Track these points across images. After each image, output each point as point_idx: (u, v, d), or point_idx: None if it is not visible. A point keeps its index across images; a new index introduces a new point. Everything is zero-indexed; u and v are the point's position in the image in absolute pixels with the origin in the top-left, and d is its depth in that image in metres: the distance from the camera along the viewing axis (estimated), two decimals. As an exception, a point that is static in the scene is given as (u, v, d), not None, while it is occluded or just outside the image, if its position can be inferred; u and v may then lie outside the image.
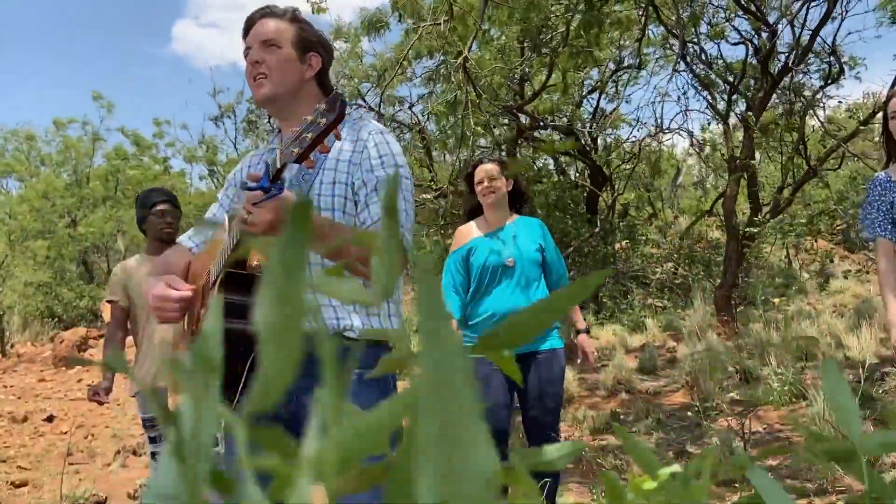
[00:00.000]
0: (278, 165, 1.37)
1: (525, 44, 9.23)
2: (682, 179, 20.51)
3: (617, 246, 12.83)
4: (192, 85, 47.55)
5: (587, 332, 3.46)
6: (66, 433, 6.48)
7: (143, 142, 13.89)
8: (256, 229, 1.42)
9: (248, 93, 13.30)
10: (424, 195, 9.51)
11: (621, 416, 5.69)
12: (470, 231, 3.41)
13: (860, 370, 5.96)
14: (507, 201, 3.37)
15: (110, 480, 5.07)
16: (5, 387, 8.51)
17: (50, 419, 6.79)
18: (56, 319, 12.20)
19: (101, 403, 3.50)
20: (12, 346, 10.40)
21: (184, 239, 1.98)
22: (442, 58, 9.17)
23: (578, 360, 3.40)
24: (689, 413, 5.54)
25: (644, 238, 13.15)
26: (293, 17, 1.86)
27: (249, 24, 1.86)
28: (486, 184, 3.30)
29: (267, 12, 1.85)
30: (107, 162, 13.46)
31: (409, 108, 10.10)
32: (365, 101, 10.17)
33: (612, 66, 11.38)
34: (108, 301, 3.52)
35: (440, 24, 6.12)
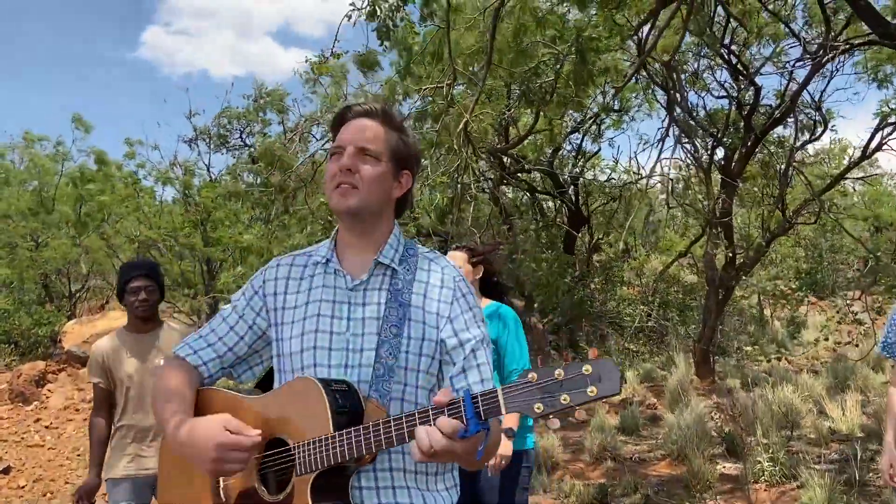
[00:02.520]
0: (503, 412, 1.24)
1: (512, 87, 9.17)
2: (655, 217, 20.76)
3: (592, 286, 12.84)
4: (167, 102, 46.69)
5: (508, 434, 3.21)
6: (23, 488, 6.11)
7: (107, 161, 13.44)
8: (440, 459, 1.28)
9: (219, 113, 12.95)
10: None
11: (608, 490, 5.54)
12: None
13: (847, 445, 5.95)
14: (475, 289, 3.21)
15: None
16: (-43, 425, 8.06)
17: (6, 471, 6.40)
18: (12, 346, 11.70)
19: None
20: (-35, 378, 9.90)
21: (187, 354, 1.65)
22: (429, 98, 9.05)
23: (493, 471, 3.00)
24: (678, 491, 5.43)
25: (620, 280, 13.16)
26: (397, 125, 1.61)
27: (345, 118, 1.61)
28: None
29: (370, 111, 1.59)
30: (71, 184, 13.01)
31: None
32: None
33: (594, 108, 11.40)
34: (91, 382, 3.33)
35: (442, 86, 6.00)
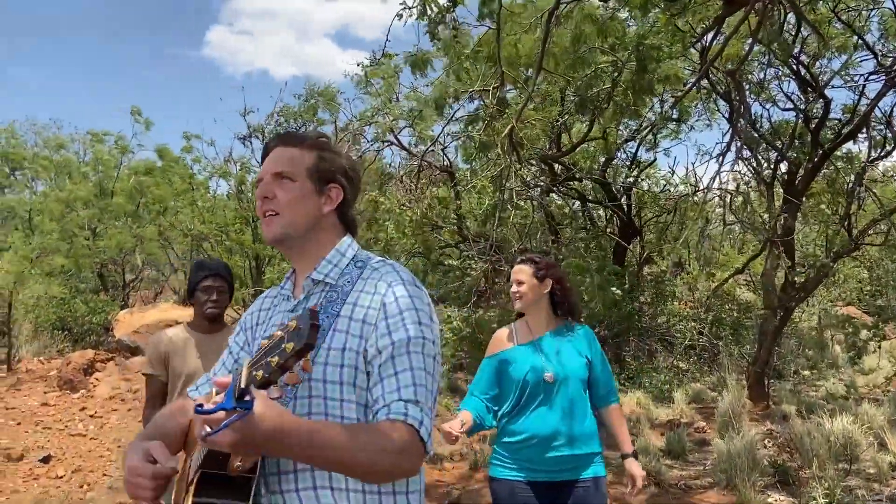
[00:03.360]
0: (242, 385, 1.12)
1: (567, 93, 8.96)
2: (711, 231, 20.16)
3: (641, 299, 12.47)
4: (223, 100, 47.68)
5: (636, 456, 3.09)
6: (61, 478, 6.19)
7: (168, 155, 13.76)
8: (221, 449, 1.19)
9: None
10: (450, 260, 9.22)
11: (650, 517, 5.30)
12: (506, 337, 3.09)
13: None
14: (545, 306, 3.04)
15: (102, 550, 4.75)
16: (7, 408, 8.25)
17: (46, 460, 6.49)
18: (66, 332, 12.00)
19: None
20: (19, 361, 10.18)
21: (191, 391, 1.70)
22: (480, 101, 8.92)
23: (627, 489, 3.00)
24: (725, 522, 5.15)
25: (672, 294, 12.76)
26: (314, 143, 1.62)
27: (266, 150, 1.65)
28: (513, 288, 3.02)
29: (285, 139, 1.63)
30: (130, 176, 13.35)
31: (442, 149, 9.83)
32: (398, 139, 9.94)
33: (651, 116, 11.08)
34: (146, 374, 3.29)
35: (488, 89, 5.85)
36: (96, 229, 13.27)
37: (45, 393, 8.82)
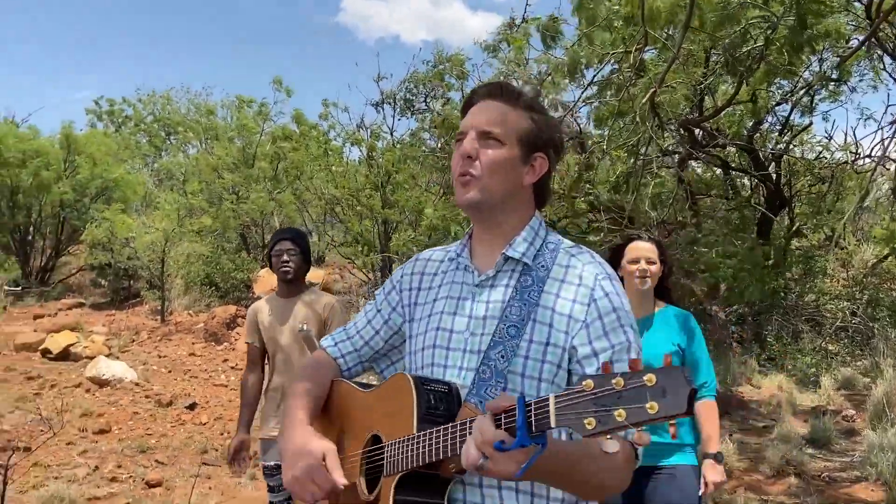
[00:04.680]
0: (552, 424, 1.00)
1: (712, 53, 8.32)
2: (871, 202, 18.43)
3: (788, 275, 11.60)
4: (358, 66, 48.78)
5: (718, 458, 2.79)
6: (205, 424, 6.64)
7: (305, 122, 14.29)
8: (491, 475, 1.10)
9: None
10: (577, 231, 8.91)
11: (789, 511, 4.93)
12: None
13: None
14: (651, 289, 2.90)
15: (238, 496, 5.04)
16: (160, 356, 8.97)
17: (192, 407, 6.99)
18: (213, 287, 12.85)
19: (237, 471, 3.45)
20: (171, 314, 11.02)
21: (328, 345, 1.61)
22: (615, 66, 8.48)
23: (700, 492, 2.75)
24: (877, 523, 4.70)
25: (822, 271, 11.77)
26: (528, 103, 1.42)
27: (471, 100, 1.47)
28: (642, 266, 2.82)
29: (495, 91, 1.44)
30: (270, 141, 14.00)
31: (573, 117, 9.48)
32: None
33: (808, 76, 10.12)
34: (247, 343, 3.48)
35: (631, 51, 5.50)
36: (240, 193, 14.06)
37: (192, 344, 9.52)
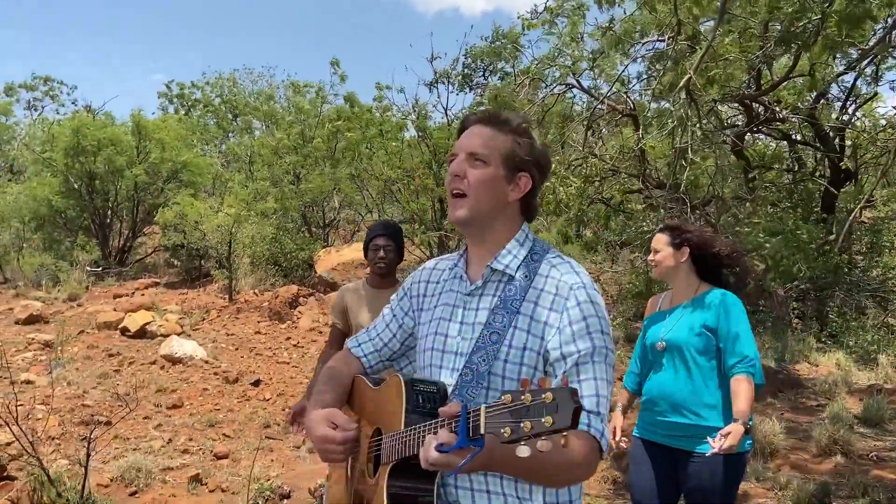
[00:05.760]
0: (482, 431, 1.20)
1: (769, 27, 8.11)
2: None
3: (855, 248, 11.26)
4: (412, 47, 48.69)
5: (746, 428, 2.75)
6: (268, 400, 7.05)
7: (359, 104, 14.56)
8: (439, 469, 1.31)
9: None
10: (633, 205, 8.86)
11: (831, 490, 4.95)
12: (657, 302, 3.20)
13: None
14: (684, 273, 3.01)
15: (297, 469, 5.40)
16: (228, 334, 9.47)
17: (257, 383, 7.42)
18: (277, 267, 13.36)
19: (295, 430, 3.65)
20: (238, 293, 11.55)
21: (353, 346, 1.84)
22: (668, 38, 8.37)
23: (710, 441, 2.74)
24: (921, 505, 4.69)
25: (890, 245, 11.38)
26: (514, 128, 1.61)
27: (463, 126, 1.67)
28: (650, 256, 3.09)
29: (486, 118, 1.63)
30: (328, 123, 14.34)
31: (625, 92, 9.41)
32: (578, 82, 9.66)
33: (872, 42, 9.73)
34: (333, 323, 3.68)
35: (686, 22, 5.39)
36: (299, 174, 14.49)
37: (258, 322, 9.99)
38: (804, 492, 4.84)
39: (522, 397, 1.14)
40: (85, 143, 14.16)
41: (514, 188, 1.59)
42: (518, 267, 1.58)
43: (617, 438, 3.07)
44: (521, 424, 1.12)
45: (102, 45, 60.31)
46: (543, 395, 1.12)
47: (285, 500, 4.82)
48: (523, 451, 1.14)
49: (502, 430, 1.15)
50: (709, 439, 2.72)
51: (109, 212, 15.26)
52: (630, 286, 10.97)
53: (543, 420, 1.10)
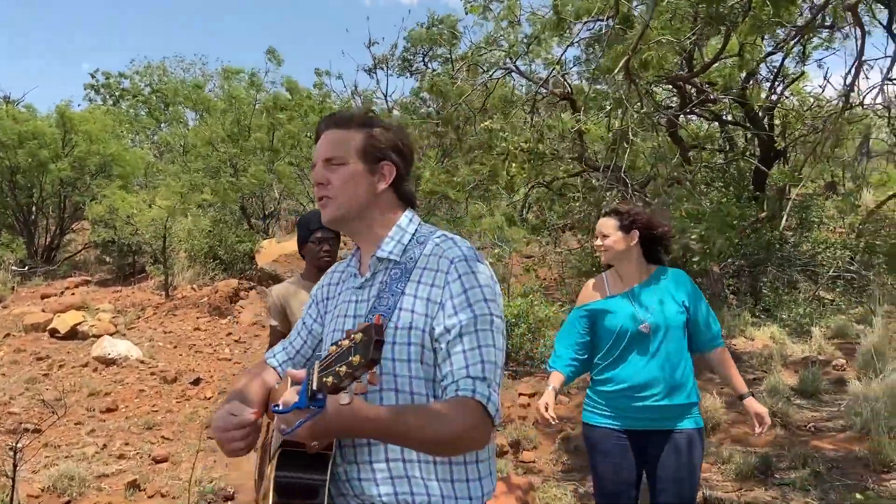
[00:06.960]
0: (314, 387, 1.22)
1: (699, 9, 8.25)
2: (871, 146, 18.25)
3: (784, 223, 11.62)
4: (349, 32, 48.12)
5: (752, 395, 3.02)
6: (209, 399, 6.84)
7: (298, 90, 14.25)
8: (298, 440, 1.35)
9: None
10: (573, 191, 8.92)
11: (772, 462, 5.09)
12: (600, 287, 3.08)
13: None
14: (635, 255, 2.99)
15: (242, 468, 5.24)
16: (165, 332, 9.16)
17: (196, 382, 7.19)
18: (217, 261, 12.99)
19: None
20: (175, 289, 11.20)
21: (269, 356, 1.84)
22: (607, 22, 8.42)
23: (756, 431, 2.94)
24: (856, 471, 4.86)
25: (818, 221, 11.80)
26: (362, 121, 1.64)
27: (317, 134, 1.69)
28: (597, 241, 3.00)
29: (332, 121, 1.66)
30: (265, 112, 13.98)
31: (562, 76, 9.45)
32: (516, 66, 9.65)
33: (800, 24, 10.01)
34: (271, 325, 3.52)
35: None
36: (237, 165, 14.10)
37: (197, 318, 9.70)
38: (747, 465, 4.97)
39: (342, 343, 1.18)
40: (4, 137, 13.47)
41: (379, 178, 1.62)
42: (403, 252, 1.61)
43: (550, 414, 2.92)
44: (337, 369, 1.15)
45: (24, 37, 57.51)
46: (354, 335, 1.16)
47: (229, 502, 4.68)
48: (344, 398, 1.17)
49: (325, 380, 1.17)
50: (755, 420, 2.93)
51: (34, 208, 14.60)
52: (576, 267, 11.08)
53: (352, 359, 1.14)
